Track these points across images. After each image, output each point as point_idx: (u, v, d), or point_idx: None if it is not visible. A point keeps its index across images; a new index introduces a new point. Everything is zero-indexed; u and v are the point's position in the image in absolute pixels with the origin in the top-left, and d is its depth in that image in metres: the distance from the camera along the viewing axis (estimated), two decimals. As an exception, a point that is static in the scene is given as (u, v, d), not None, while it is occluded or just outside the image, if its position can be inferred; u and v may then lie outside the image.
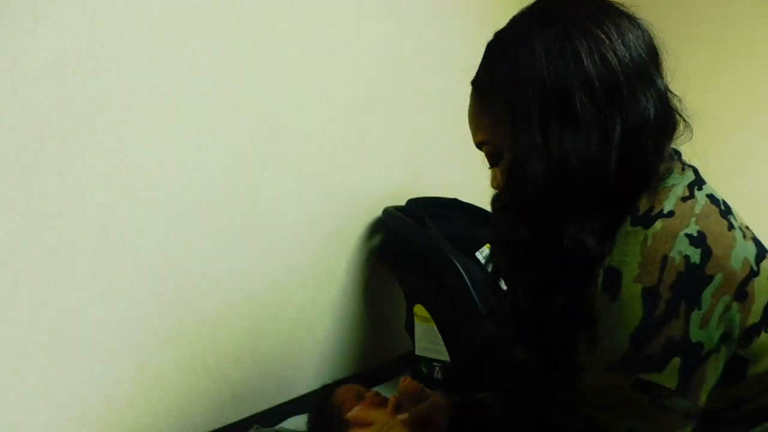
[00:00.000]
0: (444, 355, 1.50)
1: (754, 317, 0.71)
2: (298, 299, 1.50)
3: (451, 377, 1.50)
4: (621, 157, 0.72)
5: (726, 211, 0.76)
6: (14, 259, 1.00)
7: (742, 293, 0.70)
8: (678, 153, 0.82)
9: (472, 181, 2.04)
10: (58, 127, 1.02)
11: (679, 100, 0.79)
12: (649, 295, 0.68)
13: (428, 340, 1.52)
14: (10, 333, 1.02)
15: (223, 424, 1.38)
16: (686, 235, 0.70)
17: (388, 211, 1.61)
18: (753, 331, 0.71)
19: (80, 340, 1.10)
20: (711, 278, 0.68)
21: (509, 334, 0.86)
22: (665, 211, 0.72)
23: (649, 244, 0.69)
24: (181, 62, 1.17)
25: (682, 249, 0.68)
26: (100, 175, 1.08)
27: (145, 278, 1.17)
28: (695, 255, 0.68)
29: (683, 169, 0.78)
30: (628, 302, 0.68)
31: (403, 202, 1.62)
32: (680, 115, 0.78)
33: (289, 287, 1.46)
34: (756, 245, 0.76)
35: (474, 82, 0.83)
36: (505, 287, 0.91)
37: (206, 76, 1.20)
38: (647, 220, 0.72)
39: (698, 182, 0.77)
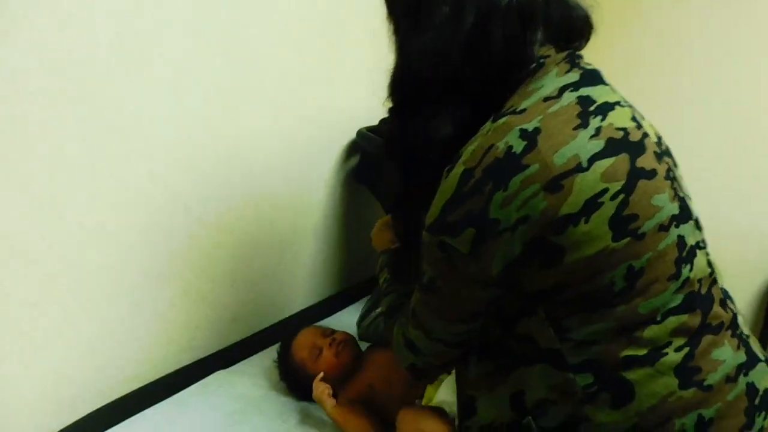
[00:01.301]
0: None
1: (569, 208, 0.74)
2: (281, 226, 1.57)
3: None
4: (467, 49, 0.79)
5: (592, 113, 0.78)
6: (14, 209, 1.06)
7: (555, 185, 0.74)
8: (574, 55, 0.84)
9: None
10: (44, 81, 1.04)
11: None
12: (466, 173, 0.76)
13: (408, 253, 1.61)
14: (15, 283, 1.10)
15: (224, 345, 1.50)
16: (521, 129, 0.76)
17: (361, 133, 1.66)
18: (568, 221, 0.74)
19: (79, 287, 1.18)
20: (525, 167, 0.74)
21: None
22: (518, 109, 0.78)
23: (487, 135, 0.77)
24: (150, 5, 1.17)
25: (509, 140, 0.75)
26: (83, 124, 1.11)
27: (133, 222, 1.24)
28: (519, 146, 0.75)
29: (568, 71, 0.82)
30: (451, 178, 0.77)
31: (376, 123, 1.66)
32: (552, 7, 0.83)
33: (271, 215, 1.54)
34: (610, 146, 0.77)
35: None
36: None
37: (178, 17, 1.21)
38: (498, 117, 0.79)
39: (579, 84, 0.81)
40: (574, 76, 0.81)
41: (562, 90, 0.79)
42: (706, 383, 0.78)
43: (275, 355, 1.42)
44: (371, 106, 1.73)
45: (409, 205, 0.95)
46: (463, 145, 0.79)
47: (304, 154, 1.58)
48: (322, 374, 1.28)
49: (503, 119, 0.77)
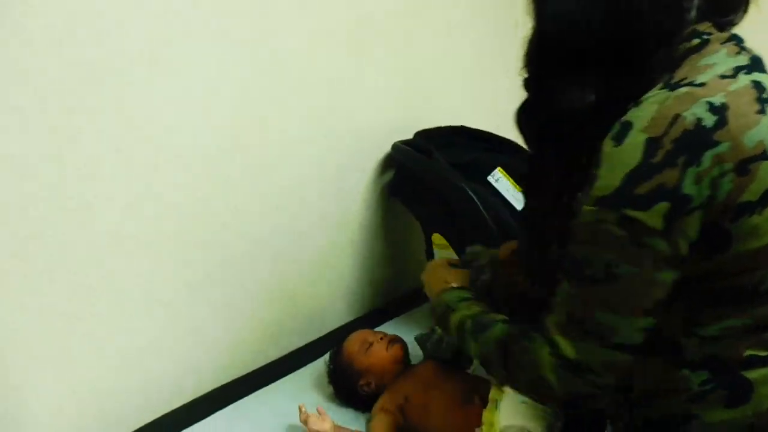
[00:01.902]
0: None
1: (750, 195, 0.72)
2: (317, 240, 1.56)
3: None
4: (611, 11, 0.74)
5: (766, 100, 0.75)
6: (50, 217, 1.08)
7: (744, 168, 0.71)
8: (739, 38, 0.81)
9: (476, 106, 2.05)
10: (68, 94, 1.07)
11: None
12: (652, 142, 0.70)
13: (448, 265, 1.57)
14: (57, 300, 1.11)
15: (263, 363, 1.48)
16: (708, 101, 0.71)
17: (396, 146, 1.64)
18: (745, 209, 0.72)
19: (116, 299, 1.19)
20: (717, 143, 0.70)
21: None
22: (697, 82, 0.73)
23: (667, 103, 0.72)
24: (180, 16, 1.19)
25: (697, 112, 0.70)
26: (117, 135, 1.13)
27: (168, 235, 1.24)
28: (709, 119, 0.70)
29: (738, 53, 0.78)
30: (630, 147, 0.71)
31: (410, 136, 1.65)
32: None
33: (306, 230, 1.53)
34: None
35: None
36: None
37: (207, 26, 1.22)
38: (675, 86, 0.74)
39: (750, 68, 0.77)
40: (744, 59, 0.78)
41: (737, 71, 0.75)
42: None
43: (315, 372, 1.39)
44: (406, 118, 1.74)
45: (544, 185, 0.86)
46: (605, 115, 0.75)
47: (338, 167, 1.57)
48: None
49: (684, 89, 0.73)
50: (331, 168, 1.55)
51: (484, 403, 1.13)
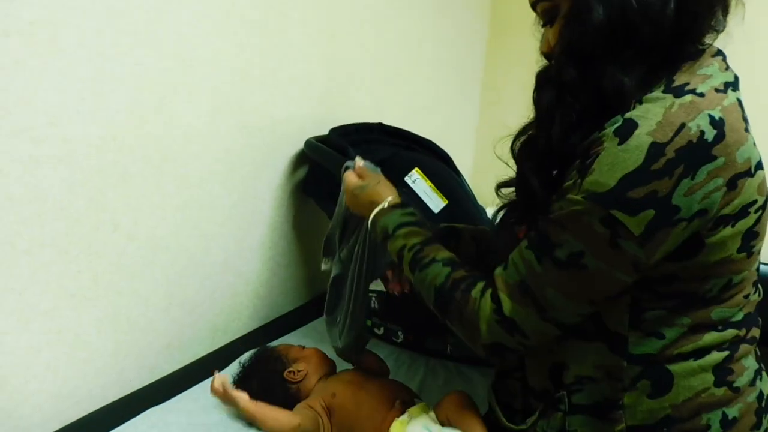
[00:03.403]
0: (379, 285, 1.49)
1: (731, 209, 0.76)
2: (223, 242, 1.44)
3: (387, 306, 1.50)
4: (677, 8, 0.76)
5: (746, 119, 0.79)
6: None
7: (733, 183, 0.74)
8: (723, 54, 0.84)
9: (395, 104, 1.99)
10: None
11: None
12: (656, 148, 0.71)
13: (362, 271, 1.50)
14: None
15: (158, 377, 1.34)
16: (709, 114, 0.73)
17: (309, 143, 1.55)
18: (722, 221, 0.76)
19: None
20: (714, 158, 0.72)
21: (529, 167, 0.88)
22: (698, 91, 0.75)
23: (673, 110, 0.73)
24: None
25: (701, 124, 0.72)
26: None
27: (51, 238, 1.08)
28: (710, 133, 0.72)
29: (726, 69, 0.82)
30: (634, 149, 0.72)
31: (325, 131, 1.56)
32: None
33: (211, 230, 1.40)
34: (759, 157, 0.80)
35: None
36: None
37: (99, 2, 1.06)
38: (679, 91, 0.75)
39: (734, 85, 0.81)
40: (730, 75, 0.82)
41: (726, 86, 0.79)
42: (734, 384, 0.84)
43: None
44: (319, 112, 1.64)
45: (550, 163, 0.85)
46: (625, 101, 0.76)
47: (247, 163, 1.45)
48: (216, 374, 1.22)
49: (689, 97, 0.75)
50: (238, 163, 1.43)
51: (404, 408, 1.12)
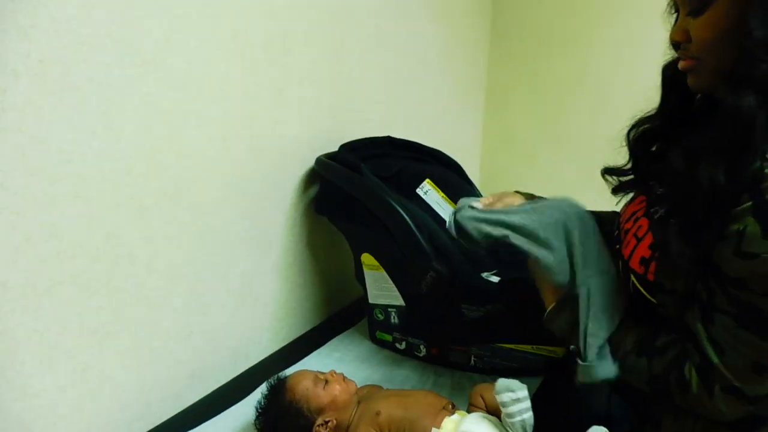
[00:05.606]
0: (398, 300, 1.48)
1: None
2: (239, 266, 1.43)
3: (407, 320, 1.49)
4: None
5: None
6: None
7: None
8: None
9: (403, 116, 1.98)
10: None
11: None
12: None
13: (379, 287, 1.49)
14: None
15: (182, 408, 1.33)
16: None
17: (320, 161, 1.54)
18: None
19: (9, 357, 1.01)
20: None
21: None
22: None
23: None
24: (73, 21, 1.01)
25: None
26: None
27: (70, 275, 1.07)
28: None
29: None
30: None
31: (335, 148, 1.55)
32: None
33: (227, 256, 1.39)
34: None
35: None
36: None
37: (100, 28, 1.04)
38: None
39: None
40: None
41: None
42: None
43: (242, 416, 1.26)
44: (328, 128, 1.63)
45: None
46: None
47: (258, 185, 1.44)
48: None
49: None
50: (250, 185, 1.42)
51: (453, 410, 1.11)
